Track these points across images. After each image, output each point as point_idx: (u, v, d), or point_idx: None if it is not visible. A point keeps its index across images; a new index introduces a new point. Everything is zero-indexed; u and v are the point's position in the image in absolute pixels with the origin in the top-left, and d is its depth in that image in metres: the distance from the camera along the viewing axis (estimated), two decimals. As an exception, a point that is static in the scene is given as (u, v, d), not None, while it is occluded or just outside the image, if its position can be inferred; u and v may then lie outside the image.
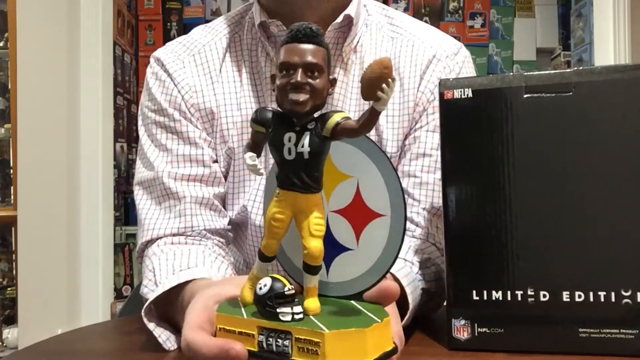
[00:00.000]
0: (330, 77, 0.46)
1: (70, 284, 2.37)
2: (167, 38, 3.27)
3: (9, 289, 2.53)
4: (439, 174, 0.76)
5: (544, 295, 0.57)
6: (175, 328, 0.63)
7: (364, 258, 0.48)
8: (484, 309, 0.58)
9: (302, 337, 0.41)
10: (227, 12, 0.94)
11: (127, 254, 2.94)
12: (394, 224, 0.47)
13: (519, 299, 0.57)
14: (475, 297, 0.59)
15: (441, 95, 0.60)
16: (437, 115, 0.78)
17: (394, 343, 0.44)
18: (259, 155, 0.47)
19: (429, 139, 0.80)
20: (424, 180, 0.79)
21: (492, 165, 0.58)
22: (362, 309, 0.46)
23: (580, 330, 0.56)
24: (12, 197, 2.37)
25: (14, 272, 2.38)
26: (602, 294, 0.56)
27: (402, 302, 0.61)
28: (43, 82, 2.31)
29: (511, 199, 0.58)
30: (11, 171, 2.40)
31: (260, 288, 0.44)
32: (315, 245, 0.45)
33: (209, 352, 0.45)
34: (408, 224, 0.78)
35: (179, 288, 0.62)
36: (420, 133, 0.81)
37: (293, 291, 0.44)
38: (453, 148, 0.60)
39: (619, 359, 0.55)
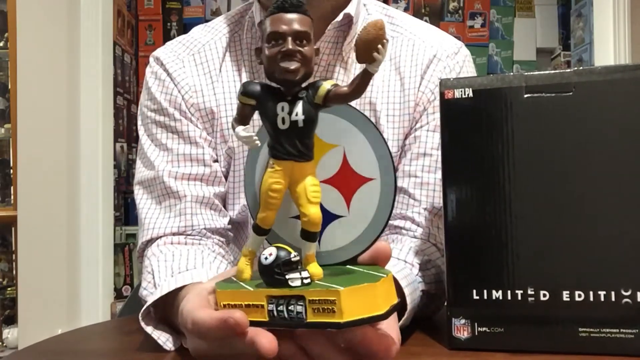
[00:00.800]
0: (315, 46, 0.46)
1: (70, 284, 2.37)
2: (167, 38, 3.26)
3: (9, 289, 2.53)
4: (439, 174, 0.76)
5: (544, 295, 0.57)
6: (174, 330, 0.63)
7: (355, 223, 0.49)
8: (484, 308, 0.58)
9: (317, 299, 0.41)
10: (227, 12, 0.94)
11: (127, 254, 2.94)
12: (384, 187, 0.48)
13: (519, 298, 0.57)
14: (475, 297, 0.58)
15: (441, 95, 0.60)
16: (437, 114, 0.78)
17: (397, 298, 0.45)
18: (248, 124, 0.47)
19: (430, 138, 0.80)
20: (425, 180, 0.79)
21: (492, 165, 0.58)
22: (362, 270, 0.47)
23: (580, 329, 0.56)
24: (12, 197, 2.37)
25: (14, 272, 2.38)
26: (602, 293, 0.56)
27: (401, 303, 0.61)
28: (43, 82, 2.31)
29: (511, 199, 0.58)
30: (11, 171, 2.40)
31: (266, 258, 0.44)
32: (315, 211, 0.45)
33: (212, 324, 0.45)
34: (409, 224, 0.79)
35: (177, 291, 0.62)
36: (420, 133, 0.81)
37: (298, 257, 0.44)
38: (453, 148, 0.60)
39: (619, 358, 0.54)
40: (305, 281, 0.43)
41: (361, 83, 0.43)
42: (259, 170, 0.51)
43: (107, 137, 2.57)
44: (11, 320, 2.47)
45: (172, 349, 0.61)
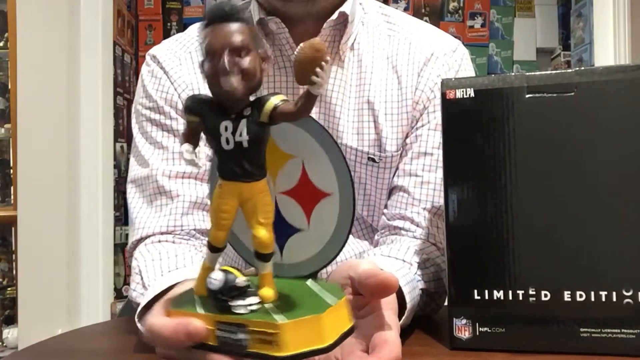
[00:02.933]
0: (260, 50, 0.42)
1: (70, 284, 2.37)
2: (167, 38, 3.26)
3: (9, 289, 2.53)
4: (440, 173, 0.76)
5: (545, 295, 0.57)
6: None
7: (316, 238, 0.48)
8: (485, 308, 0.58)
9: (258, 329, 0.40)
10: None
11: (127, 254, 2.94)
12: (343, 202, 0.46)
13: (520, 298, 0.57)
14: (476, 297, 0.58)
15: (443, 94, 0.60)
16: (438, 113, 0.79)
17: (353, 321, 0.44)
18: (196, 146, 0.45)
19: (431, 137, 0.80)
20: (425, 179, 0.79)
21: (494, 165, 0.58)
22: (317, 292, 0.46)
23: (582, 330, 0.56)
24: (12, 197, 2.36)
25: (14, 272, 2.38)
26: (603, 293, 0.56)
27: (400, 302, 0.61)
28: (43, 82, 2.30)
29: (513, 199, 0.58)
30: (11, 171, 2.39)
31: (212, 282, 0.43)
32: (264, 234, 0.43)
33: (167, 330, 0.45)
34: (408, 225, 0.78)
35: (167, 290, 0.62)
36: (422, 131, 0.81)
37: (246, 282, 0.43)
38: (454, 148, 0.60)
39: (620, 358, 0.54)
40: (251, 307, 0.42)
41: (306, 103, 0.40)
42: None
43: (107, 137, 2.56)
44: (11, 320, 2.47)
45: None
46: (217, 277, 0.42)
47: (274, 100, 0.41)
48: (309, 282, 0.49)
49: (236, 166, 0.42)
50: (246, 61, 0.40)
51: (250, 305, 0.42)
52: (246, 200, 0.43)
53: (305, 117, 0.41)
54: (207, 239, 0.79)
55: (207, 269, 0.47)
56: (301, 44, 0.39)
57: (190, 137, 0.45)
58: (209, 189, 0.51)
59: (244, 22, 0.41)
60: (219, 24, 0.40)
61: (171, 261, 0.70)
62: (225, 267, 0.44)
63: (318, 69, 0.38)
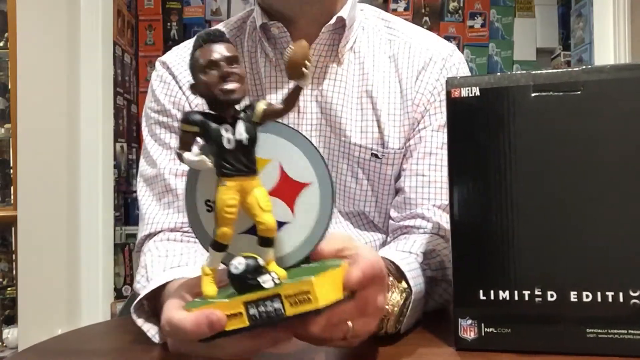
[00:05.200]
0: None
1: (70, 284, 2.37)
2: (167, 38, 3.26)
3: (9, 289, 2.52)
4: (445, 172, 0.79)
5: (551, 295, 0.56)
6: None
7: (301, 226, 0.52)
8: (491, 308, 0.58)
9: (292, 293, 0.45)
10: (227, 12, 0.97)
11: (127, 254, 2.94)
12: (323, 189, 0.52)
13: (526, 298, 0.57)
14: (482, 297, 0.58)
15: (448, 93, 0.60)
16: (439, 115, 0.84)
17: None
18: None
19: (434, 138, 0.83)
20: (432, 178, 0.82)
21: (499, 164, 0.58)
22: (317, 264, 0.51)
23: (588, 330, 0.56)
24: (12, 197, 2.36)
25: (14, 272, 2.38)
26: (610, 294, 0.55)
27: (406, 290, 0.64)
28: (43, 82, 2.30)
29: (518, 198, 0.57)
30: (11, 171, 2.39)
31: (236, 267, 0.47)
32: (269, 218, 0.49)
33: (189, 322, 0.46)
34: (420, 222, 0.81)
35: (164, 286, 0.64)
36: (425, 133, 0.84)
37: (264, 262, 0.48)
38: (460, 146, 0.60)
39: (626, 359, 0.54)
40: (277, 281, 0.47)
41: (292, 97, 0.48)
42: (201, 191, 0.54)
43: (107, 137, 2.56)
44: (11, 320, 2.47)
45: (160, 341, 0.62)
46: (240, 262, 0.47)
47: (262, 104, 0.49)
48: (303, 265, 0.53)
49: (238, 163, 0.48)
50: (239, 69, 0.48)
51: (275, 278, 0.47)
52: (247, 194, 0.49)
53: (290, 111, 0.49)
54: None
55: (212, 271, 0.50)
56: (290, 46, 0.47)
57: (186, 146, 0.50)
58: (186, 202, 0.55)
59: (230, 42, 0.49)
60: (212, 43, 0.48)
61: (175, 259, 0.73)
62: (243, 254, 0.48)
63: (307, 62, 0.47)
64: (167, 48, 2.95)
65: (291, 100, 0.49)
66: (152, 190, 0.85)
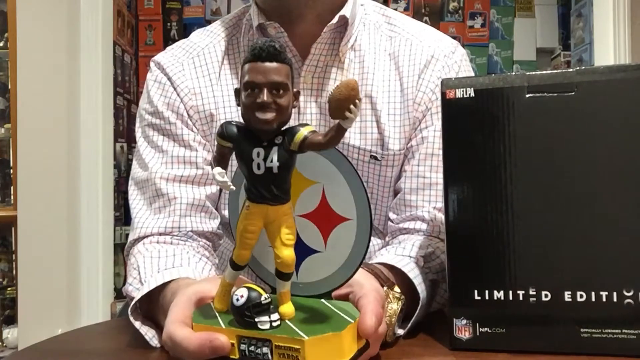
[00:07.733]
0: (294, 90, 0.46)
1: (70, 284, 2.37)
2: (167, 38, 3.26)
3: (9, 289, 2.53)
4: None
5: (546, 295, 0.57)
6: (158, 326, 0.63)
7: (332, 260, 0.50)
8: (486, 308, 0.58)
9: (282, 345, 0.43)
10: (227, 12, 0.96)
11: (125, 252, 2.93)
12: (360, 227, 0.49)
13: (521, 298, 0.57)
14: (476, 297, 0.58)
15: (443, 94, 0.60)
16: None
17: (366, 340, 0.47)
18: (225, 168, 0.47)
19: (437, 138, 0.81)
20: (434, 180, 0.81)
21: (494, 164, 0.58)
22: (333, 309, 0.49)
23: (582, 330, 0.56)
24: (12, 197, 2.37)
25: (14, 272, 2.38)
26: (604, 294, 0.56)
27: (412, 296, 0.64)
28: (43, 82, 2.30)
29: (513, 199, 0.58)
30: (11, 171, 2.39)
31: (237, 299, 0.45)
32: (288, 254, 0.46)
33: (192, 344, 0.46)
34: (419, 224, 0.80)
35: (161, 287, 0.63)
36: (427, 133, 0.82)
37: (269, 300, 0.46)
38: (454, 147, 0.60)
39: (620, 359, 0.54)
40: (274, 324, 0.45)
41: (335, 136, 0.43)
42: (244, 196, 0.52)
43: (107, 137, 2.56)
44: (11, 320, 2.47)
45: (158, 345, 0.62)
46: (242, 294, 0.45)
47: (304, 132, 0.44)
48: (323, 300, 0.51)
49: (265, 190, 0.45)
50: (283, 98, 0.44)
51: (273, 321, 0.45)
52: (271, 222, 0.46)
53: (332, 147, 0.44)
54: (204, 240, 0.81)
55: (227, 285, 0.50)
56: (338, 84, 0.43)
57: (221, 161, 0.47)
58: (228, 210, 0.54)
59: (286, 62, 0.44)
60: (263, 61, 0.43)
61: (169, 260, 0.72)
62: (249, 284, 0.46)
63: (352, 106, 0.42)
64: (167, 48, 2.94)
65: (334, 138, 0.43)
66: (143, 194, 0.84)
